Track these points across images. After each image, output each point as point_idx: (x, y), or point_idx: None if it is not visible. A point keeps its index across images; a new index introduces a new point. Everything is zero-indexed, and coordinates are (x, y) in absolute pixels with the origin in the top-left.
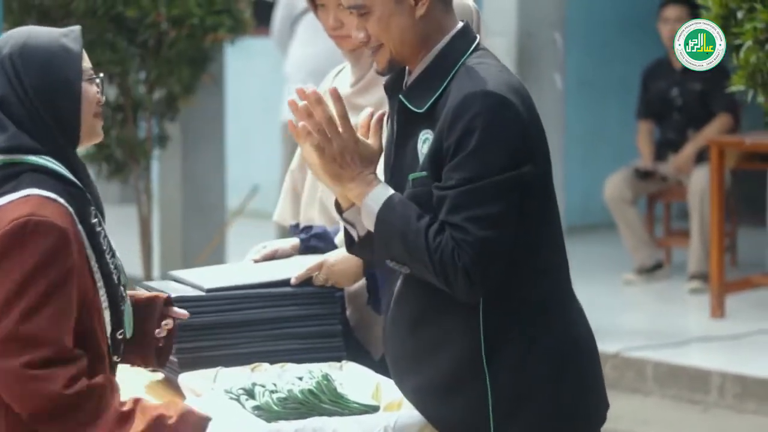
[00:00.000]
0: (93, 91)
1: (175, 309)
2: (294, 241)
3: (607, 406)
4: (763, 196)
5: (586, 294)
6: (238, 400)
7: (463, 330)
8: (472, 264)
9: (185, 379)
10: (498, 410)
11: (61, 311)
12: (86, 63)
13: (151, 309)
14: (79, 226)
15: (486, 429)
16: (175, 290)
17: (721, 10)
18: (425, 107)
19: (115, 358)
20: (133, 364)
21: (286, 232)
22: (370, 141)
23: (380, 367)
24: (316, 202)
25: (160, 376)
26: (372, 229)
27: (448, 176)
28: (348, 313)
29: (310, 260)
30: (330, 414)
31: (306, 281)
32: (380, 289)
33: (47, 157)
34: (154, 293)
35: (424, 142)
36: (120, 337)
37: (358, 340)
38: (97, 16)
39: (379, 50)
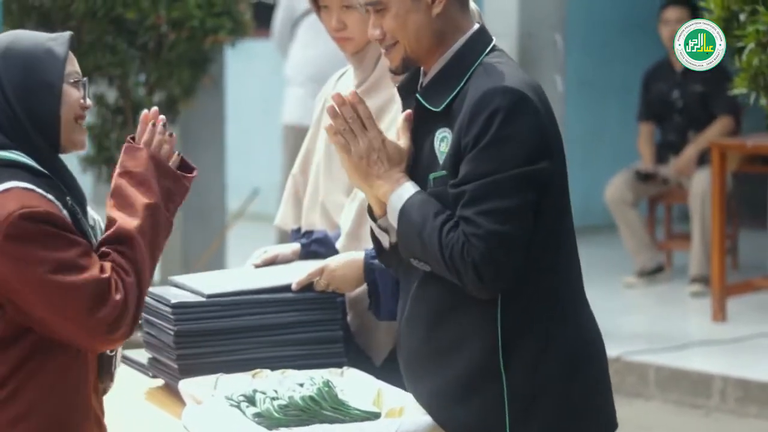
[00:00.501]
0: (76, 95)
1: None
2: (295, 246)
3: (614, 410)
4: (764, 199)
5: (587, 297)
6: (238, 406)
7: (480, 330)
8: (481, 259)
9: (185, 385)
10: (514, 411)
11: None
12: (72, 67)
13: None
14: (64, 211)
15: (501, 430)
16: (175, 296)
17: (723, 13)
18: (442, 106)
19: None
20: None
21: (287, 236)
22: (400, 141)
23: (381, 373)
24: (318, 206)
25: (160, 382)
26: (395, 225)
27: (465, 170)
28: (349, 318)
29: (311, 265)
30: (331, 421)
31: (307, 287)
32: (382, 295)
33: (17, 152)
34: None
35: (442, 140)
36: None
37: (359, 346)
38: (97, 18)
39: (393, 48)
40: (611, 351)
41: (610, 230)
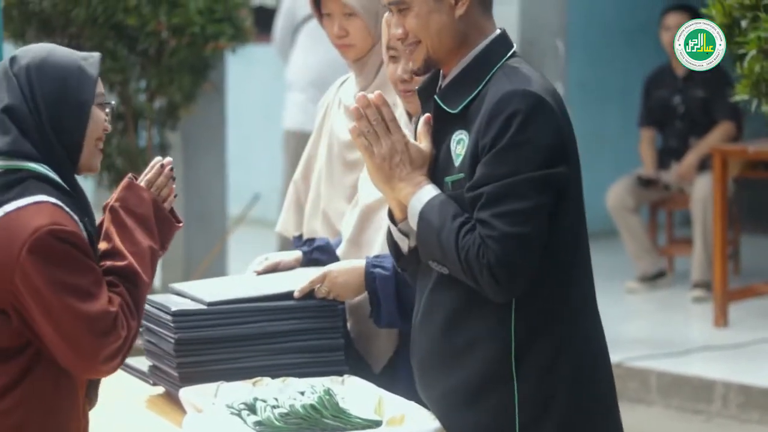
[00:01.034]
0: (102, 117)
1: None
2: (297, 253)
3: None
4: (766, 205)
5: None
6: (239, 415)
7: (494, 334)
8: (496, 261)
9: (186, 393)
10: (524, 416)
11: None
12: (100, 88)
13: None
14: (84, 233)
15: None
16: (175, 304)
17: (725, 19)
18: (459, 108)
19: None
20: None
21: (288, 242)
22: (422, 144)
23: (380, 380)
24: (319, 213)
25: (160, 390)
26: (415, 228)
27: (481, 172)
28: (349, 325)
29: (313, 272)
30: (332, 429)
31: (308, 294)
32: (383, 303)
33: (45, 166)
34: None
35: (458, 142)
36: None
37: (359, 353)
38: (98, 24)
39: (415, 48)
40: (613, 356)
41: (611, 236)
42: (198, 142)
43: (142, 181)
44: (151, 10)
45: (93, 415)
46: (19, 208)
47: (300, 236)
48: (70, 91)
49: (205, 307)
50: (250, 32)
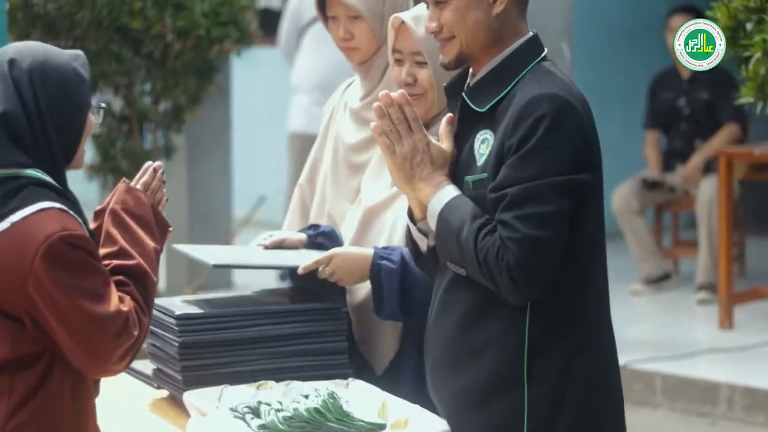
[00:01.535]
0: (92, 118)
1: None
2: (302, 235)
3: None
4: None
5: None
6: (243, 418)
7: (507, 336)
8: (515, 263)
9: (190, 397)
10: (533, 421)
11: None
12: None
13: None
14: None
15: None
16: (179, 307)
17: (730, 22)
18: (487, 107)
19: None
20: None
21: None
22: (443, 145)
23: (383, 382)
24: (325, 216)
25: (164, 393)
26: (434, 228)
27: (505, 174)
28: (353, 328)
29: (318, 253)
30: None
31: (310, 299)
32: (386, 296)
33: (40, 171)
34: None
35: (482, 142)
36: None
37: (362, 355)
38: (103, 27)
39: (449, 42)
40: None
41: (616, 238)
42: (203, 144)
43: (138, 184)
44: (156, 13)
45: (97, 418)
46: (25, 217)
47: (310, 226)
48: (71, 97)
49: (210, 310)
50: (255, 35)
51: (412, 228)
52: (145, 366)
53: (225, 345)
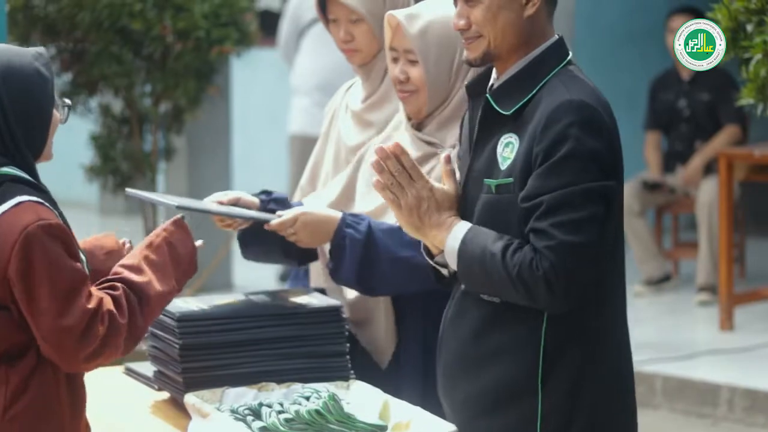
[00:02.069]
0: (57, 115)
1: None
2: (255, 199)
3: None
4: None
5: None
6: (244, 420)
7: (524, 343)
8: (552, 270)
9: (191, 398)
10: (546, 426)
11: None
12: (54, 87)
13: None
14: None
15: None
16: (180, 309)
17: (731, 24)
18: (512, 110)
19: None
20: None
21: None
22: (446, 185)
23: (386, 378)
24: None
25: (165, 395)
26: (456, 268)
27: (538, 183)
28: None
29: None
30: None
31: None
32: (347, 262)
33: (14, 167)
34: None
35: (506, 145)
36: None
37: (366, 350)
38: (103, 29)
39: (476, 40)
40: None
41: None
42: (203, 146)
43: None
44: (157, 14)
45: (98, 420)
46: (5, 211)
47: (263, 191)
48: (35, 99)
49: (210, 311)
50: (255, 36)
51: (429, 261)
52: (146, 368)
53: (225, 347)
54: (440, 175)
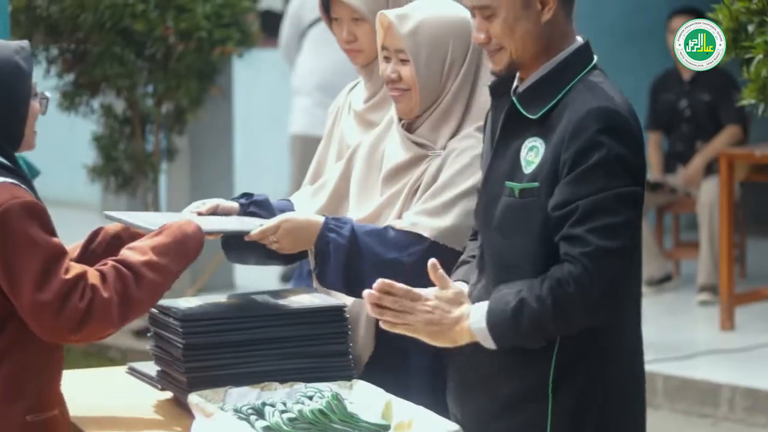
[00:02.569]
0: (37, 107)
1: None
2: (234, 204)
3: None
4: None
5: None
6: (247, 420)
7: (539, 353)
8: (588, 278)
9: (194, 398)
10: (555, 430)
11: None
12: (34, 80)
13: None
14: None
15: None
16: (183, 309)
17: (732, 24)
18: (539, 114)
19: None
20: None
21: None
22: (448, 291)
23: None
24: None
25: (168, 395)
26: (494, 345)
27: (570, 190)
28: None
29: (258, 221)
30: None
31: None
32: (332, 266)
33: None
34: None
35: (530, 149)
36: None
37: None
38: (105, 29)
39: (498, 53)
40: None
41: None
42: (205, 146)
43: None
44: (159, 15)
45: (101, 419)
46: None
47: (243, 194)
48: (10, 91)
49: (213, 311)
50: (257, 37)
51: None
52: (149, 368)
53: (229, 346)
54: (434, 174)
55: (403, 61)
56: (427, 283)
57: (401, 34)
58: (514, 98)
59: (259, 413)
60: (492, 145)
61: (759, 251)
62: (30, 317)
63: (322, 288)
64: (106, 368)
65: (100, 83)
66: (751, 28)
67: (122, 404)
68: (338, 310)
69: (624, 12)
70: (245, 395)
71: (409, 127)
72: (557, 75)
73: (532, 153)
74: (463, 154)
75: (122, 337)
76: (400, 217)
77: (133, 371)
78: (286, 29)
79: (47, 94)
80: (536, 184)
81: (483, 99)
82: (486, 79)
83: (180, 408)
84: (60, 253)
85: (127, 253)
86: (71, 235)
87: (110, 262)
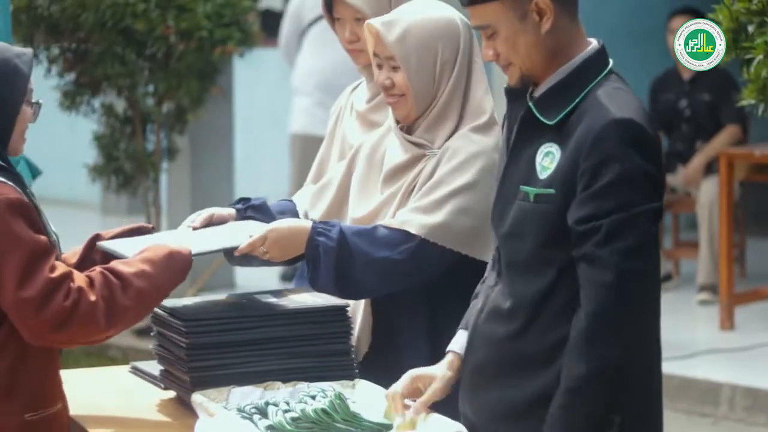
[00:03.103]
0: (29, 112)
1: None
2: (230, 210)
3: None
4: None
5: None
6: (250, 419)
7: (554, 358)
8: (610, 302)
9: (198, 397)
10: None
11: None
12: (31, 85)
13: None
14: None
15: None
16: (186, 309)
17: (732, 24)
18: (556, 120)
19: None
20: None
21: None
22: (432, 387)
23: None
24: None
25: (172, 394)
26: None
27: (593, 205)
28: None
29: (251, 227)
30: None
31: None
32: (322, 271)
33: None
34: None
35: (546, 155)
36: None
37: None
38: (106, 29)
39: (508, 68)
40: None
41: None
42: (205, 146)
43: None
44: (159, 15)
45: (105, 418)
46: None
47: (240, 199)
48: (5, 89)
49: (216, 311)
50: (257, 36)
51: None
52: (153, 367)
53: (232, 346)
54: (430, 173)
55: (395, 68)
56: (419, 280)
57: (389, 42)
58: (530, 103)
59: (263, 413)
60: (507, 148)
61: (759, 251)
62: (13, 314)
63: None
64: (109, 367)
65: (100, 83)
66: (751, 28)
67: (125, 403)
68: (340, 310)
69: (624, 12)
70: (248, 395)
71: (407, 130)
72: (573, 80)
73: (548, 159)
74: (458, 152)
75: (123, 337)
76: (395, 215)
77: (136, 370)
78: (286, 28)
79: (39, 101)
80: (552, 190)
81: (479, 94)
82: (480, 74)
83: (183, 407)
84: (45, 250)
85: (115, 263)
86: (71, 234)
87: (98, 268)
